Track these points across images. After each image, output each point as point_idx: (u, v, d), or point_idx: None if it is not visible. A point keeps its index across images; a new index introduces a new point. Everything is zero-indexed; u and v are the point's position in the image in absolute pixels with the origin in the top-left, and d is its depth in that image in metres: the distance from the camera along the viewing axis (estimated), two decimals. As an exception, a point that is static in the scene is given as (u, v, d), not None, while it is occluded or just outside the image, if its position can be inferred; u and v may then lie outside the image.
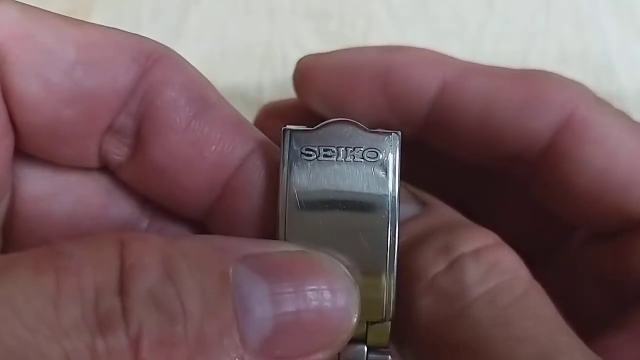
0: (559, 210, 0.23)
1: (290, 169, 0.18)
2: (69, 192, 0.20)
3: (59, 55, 0.17)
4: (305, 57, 0.23)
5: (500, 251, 0.19)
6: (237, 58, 0.35)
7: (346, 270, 0.17)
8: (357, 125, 0.18)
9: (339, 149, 0.18)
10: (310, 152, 0.18)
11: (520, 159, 0.22)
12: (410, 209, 0.21)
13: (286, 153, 0.18)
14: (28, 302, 0.14)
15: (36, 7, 0.18)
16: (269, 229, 0.18)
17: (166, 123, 0.18)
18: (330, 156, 0.18)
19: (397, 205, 0.18)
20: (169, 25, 0.35)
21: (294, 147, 0.18)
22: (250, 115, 0.33)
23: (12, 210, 0.19)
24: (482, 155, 0.23)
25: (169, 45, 0.19)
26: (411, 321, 0.19)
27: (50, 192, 0.20)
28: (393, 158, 0.18)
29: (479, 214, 0.22)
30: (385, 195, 0.18)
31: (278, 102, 0.27)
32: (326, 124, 0.18)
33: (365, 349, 0.18)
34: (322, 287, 0.16)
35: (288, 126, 0.18)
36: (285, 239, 0.18)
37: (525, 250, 0.20)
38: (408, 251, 0.19)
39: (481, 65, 0.23)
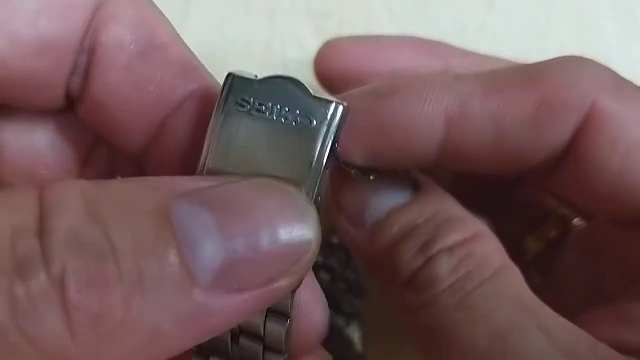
0: (577, 202, 0.23)
1: (219, 115, 0.18)
2: (47, 123, 0.20)
3: (21, 6, 0.17)
4: None
5: (476, 242, 0.20)
6: (237, 58, 0.35)
7: (297, 191, 0.16)
8: (301, 87, 0.17)
9: (274, 106, 0.17)
10: (244, 104, 0.18)
11: (539, 166, 0.21)
12: (401, 194, 0.21)
13: (222, 99, 0.18)
14: None
15: None
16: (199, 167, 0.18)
17: (108, 60, 0.18)
18: (263, 112, 0.17)
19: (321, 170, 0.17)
20: (169, 25, 0.35)
21: (231, 95, 0.18)
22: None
23: None
24: (499, 170, 0.22)
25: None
26: (399, 308, 0.20)
27: (30, 125, 0.20)
28: (327, 130, 0.17)
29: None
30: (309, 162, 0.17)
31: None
32: (272, 77, 0.18)
33: (262, 348, 0.18)
34: (274, 211, 0.15)
35: (233, 70, 0.18)
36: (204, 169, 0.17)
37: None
38: (395, 244, 0.20)
39: (479, 76, 0.20)
